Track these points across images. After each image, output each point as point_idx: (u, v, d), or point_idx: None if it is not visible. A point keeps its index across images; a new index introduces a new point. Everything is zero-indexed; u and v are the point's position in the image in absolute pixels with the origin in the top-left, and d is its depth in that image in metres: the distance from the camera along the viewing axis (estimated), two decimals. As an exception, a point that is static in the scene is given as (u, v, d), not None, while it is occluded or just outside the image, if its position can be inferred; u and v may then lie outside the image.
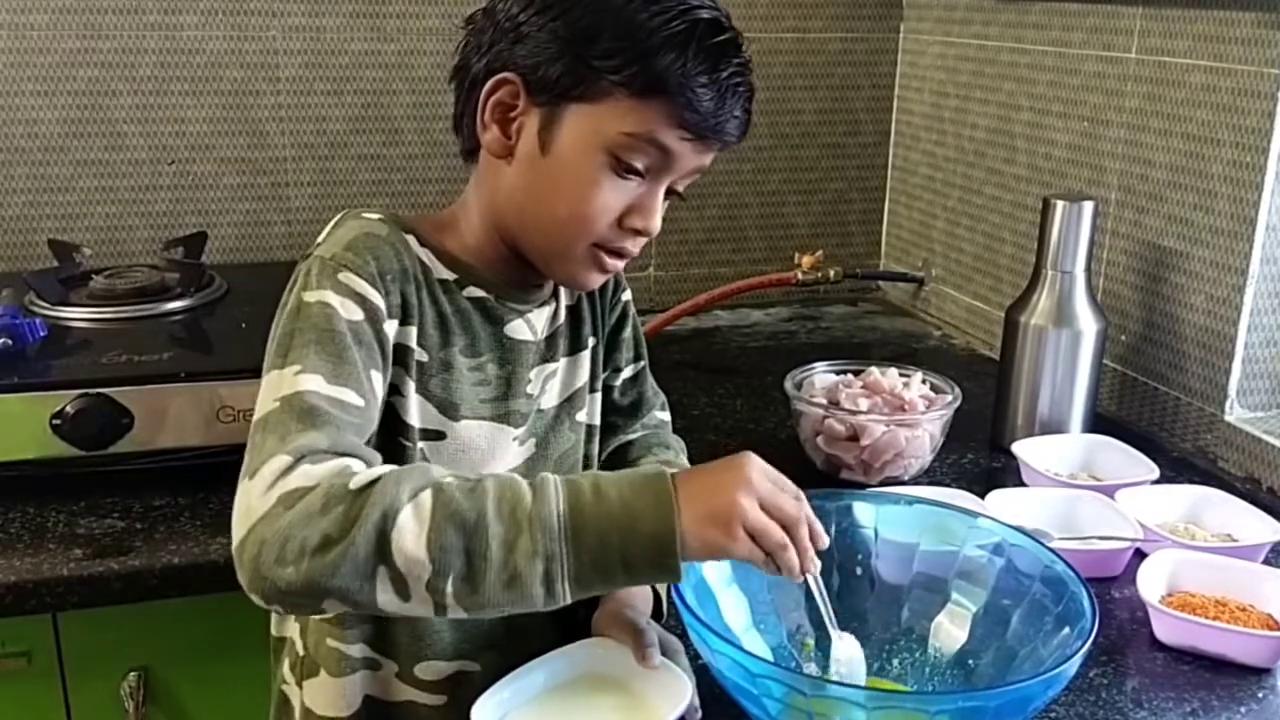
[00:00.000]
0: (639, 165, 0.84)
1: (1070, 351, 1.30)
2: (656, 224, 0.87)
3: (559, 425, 0.98)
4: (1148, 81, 1.38)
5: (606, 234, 0.86)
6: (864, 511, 0.98)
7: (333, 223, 0.88)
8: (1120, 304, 1.44)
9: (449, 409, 0.89)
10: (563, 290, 0.98)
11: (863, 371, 1.31)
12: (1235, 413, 1.30)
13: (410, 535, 0.70)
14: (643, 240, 0.89)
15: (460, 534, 0.70)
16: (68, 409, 1.14)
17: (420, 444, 0.88)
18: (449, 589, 0.70)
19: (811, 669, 0.93)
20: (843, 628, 0.95)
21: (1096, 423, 1.34)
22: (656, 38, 0.80)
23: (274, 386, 0.78)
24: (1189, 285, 1.34)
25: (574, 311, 1.00)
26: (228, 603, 1.11)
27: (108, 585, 1.06)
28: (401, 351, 0.85)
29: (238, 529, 0.72)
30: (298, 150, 1.69)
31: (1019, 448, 1.26)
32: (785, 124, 1.89)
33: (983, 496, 1.14)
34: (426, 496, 0.71)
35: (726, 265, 1.92)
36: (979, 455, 1.34)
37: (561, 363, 0.98)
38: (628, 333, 1.07)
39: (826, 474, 1.26)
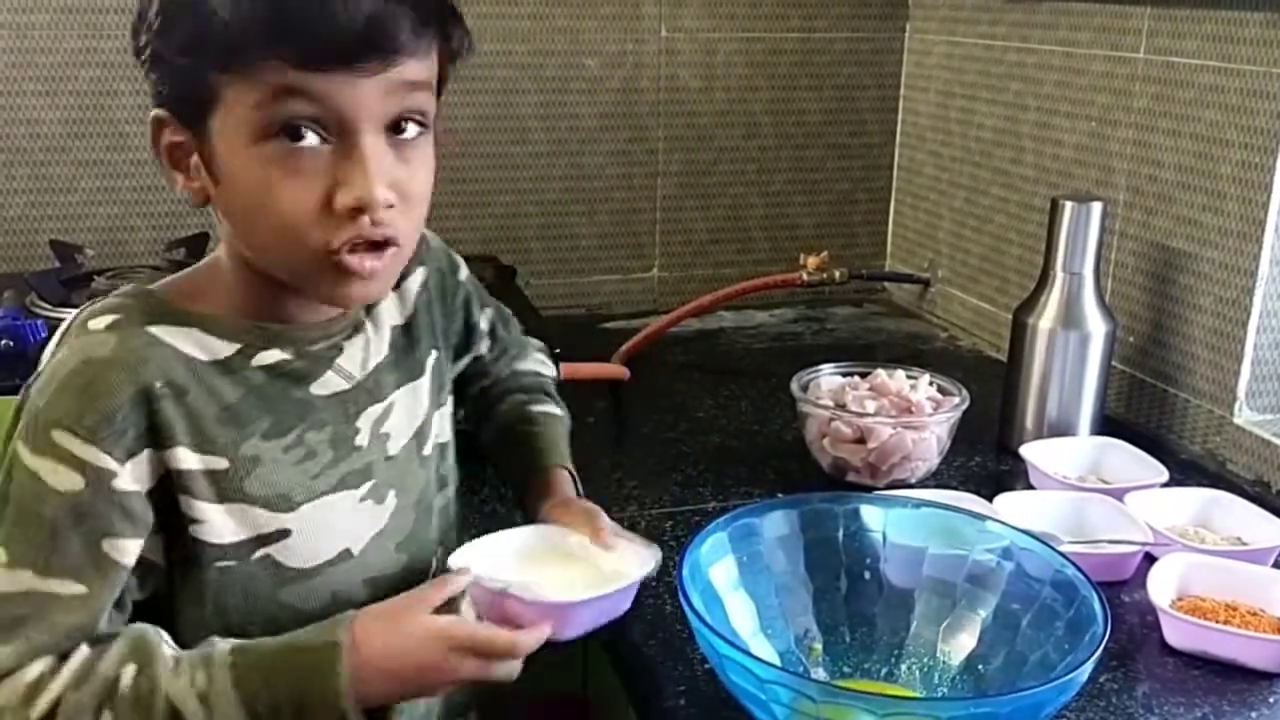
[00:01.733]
0: (303, 128, 0.69)
1: (1078, 353, 1.29)
2: (377, 189, 0.71)
3: (410, 467, 0.87)
4: (1156, 82, 1.38)
5: (322, 231, 0.71)
6: (871, 515, 0.97)
7: (60, 332, 0.79)
8: (1129, 305, 1.43)
9: (279, 504, 0.78)
10: (386, 306, 0.87)
11: (869, 373, 1.31)
12: (1244, 415, 1.30)
13: None
14: (384, 217, 0.72)
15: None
16: (69, 411, 1.13)
17: (260, 552, 0.78)
18: None
19: (820, 674, 0.92)
20: (851, 632, 0.94)
21: (1105, 425, 1.33)
22: (203, 4, 0.68)
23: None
24: (1198, 287, 1.33)
25: (408, 330, 0.89)
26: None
27: (110, 588, 1.05)
28: (177, 477, 0.74)
29: None
30: (301, 150, 1.68)
31: (1027, 450, 1.25)
32: (790, 124, 1.89)
33: (991, 499, 1.13)
34: None
35: (731, 266, 1.91)
36: (987, 458, 1.33)
37: (395, 397, 0.86)
38: (475, 310, 0.98)
39: (833, 476, 1.25)
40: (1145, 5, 1.38)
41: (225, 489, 0.76)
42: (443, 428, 0.92)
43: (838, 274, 1.75)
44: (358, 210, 0.71)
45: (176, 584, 0.78)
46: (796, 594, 0.94)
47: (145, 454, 0.73)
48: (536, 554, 0.86)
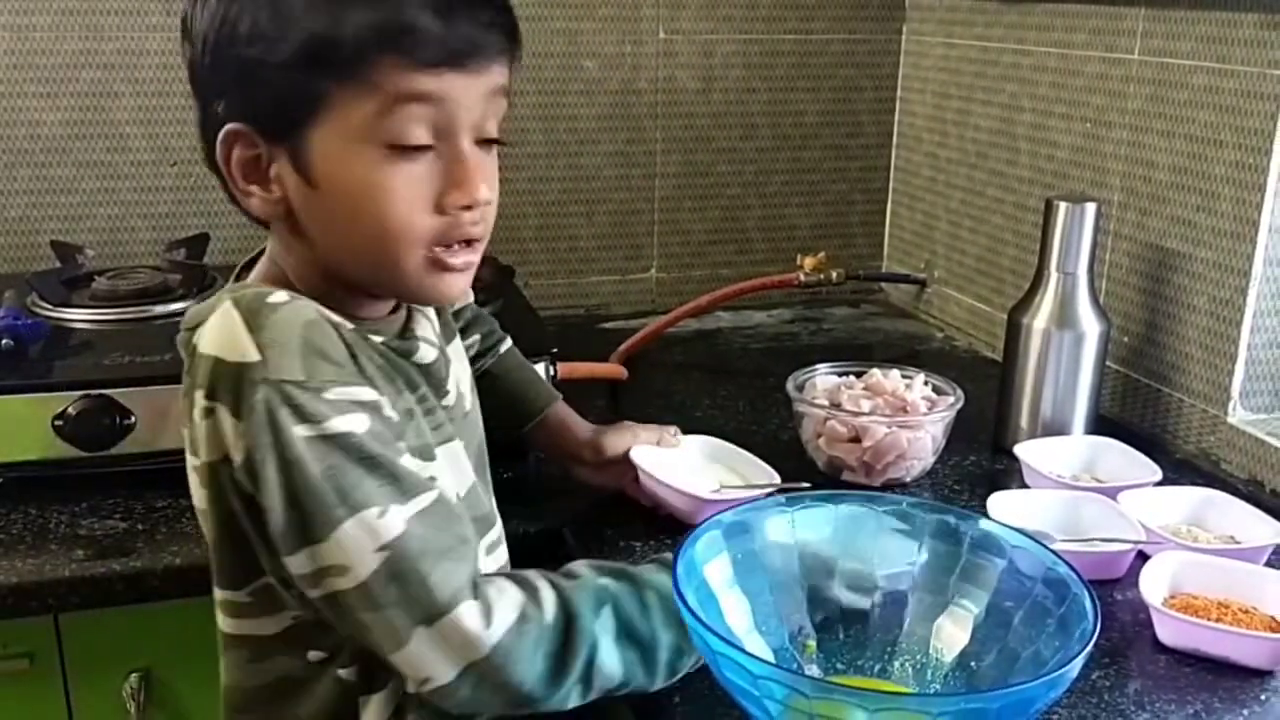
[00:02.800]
0: (416, 136, 0.73)
1: (1073, 353, 1.29)
2: (482, 190, 0.76)
3: (474, 418, 0.96)
4: (1150, 83, 1.38)
5: (431, 231, 0.76)
6: (866, 513, 0.98)
7: (228, 318, 0.74)
8: (1123, 305, 1.44)
9: (425, 453, 0.84)
10: None
11: (865, 373, 1.31)
12: (1238, 415, 1.30)
13: (609, 663, 0.80)
14: (480, 215, 0.78)
15: (639, 650, 0.83)
16: (70, 410, 1.14)
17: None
18: (625, 689, 0.83)
19: (814, 671, 0.92)
20: (845, 630, 0.95)
21: (1099, 424, 1.34)
22: (324, 10, 0.71)
23: (359, 541, 0.72)
24: (1192, 287, 1.34)
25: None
26: (229, 604, 1.12)
27: (110, 586, 1.06)
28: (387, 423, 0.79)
29: (441, 670, 0.75)
30: (300, 152, 1.69)
31: (1021, 449, 1.25)
32: (788, 125, 1.89)
33: (985, 498, 1.14)
34: (610, 620, 0.81)
35: (728, 267, 1.92)
36: (981, 457, 1.34)
37: (454, 357, 0.93)
38: None
39: (828, 475, 1.26)
40: (1139, 7, 1.39)
41: (395, 437, 0.78)
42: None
43: (834, 274, 1.75)
44: (465, 209, 0.76)
45: None
46: (791, 591, 0.95)
47: (375, 392, 0.77)
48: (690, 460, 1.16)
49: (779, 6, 1.83)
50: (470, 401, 0.95)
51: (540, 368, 1.29)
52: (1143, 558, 1.06)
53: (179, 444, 1.17)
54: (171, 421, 1.17)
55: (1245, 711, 0.90)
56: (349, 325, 0.79)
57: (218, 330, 0.74)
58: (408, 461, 0.77)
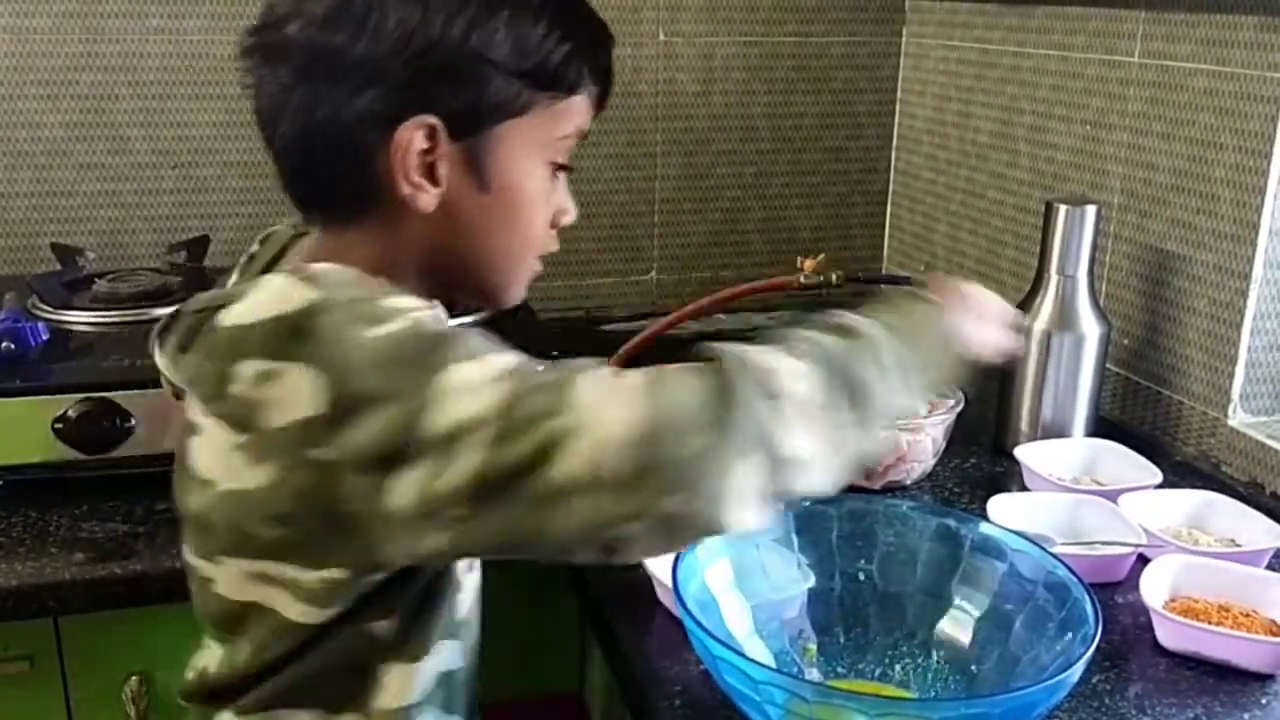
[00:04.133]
0: (566, 161, 0.82)
1: (1073, 355, 1.29)
2: (574, 214, 0.87)
3: None
4: (1150, 85, 1.38)
5: (545, 243, 0.85)
6: (866, 516, 0.98)
7: (264, 281, 0.72)
8: (1123, 308, 1.44)
9: None
10: None
11: (865, 376, 1.31)
12: (1238, 417, 1.30)
13: (797, 368, 0.72)
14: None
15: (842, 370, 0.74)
16: (70, 413, 1.14)
17: None
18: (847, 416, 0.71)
19: (814, 675, 0.93)
20: (845, 633, 0.95)
21: (1099, 427, 1.34)
22: (559, 28, 0.76)
23: (474, 374, 0.66)
24: (1192, 289, 1.34)
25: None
26: (230, 607, 1.12)
27: (110, 589, 1.06)
28: None
29: (617, 413, 0.64)
30: (300, 154, 1.68)
31: (1022, 452, 1.25)
32: (788, 128, 1.89)
33: (985, 501, 1.14)
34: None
35: (728, 269, 1.92)
36: (981, 460, 1.34)
37: None
38: None
39: (829, 478, 1.25)
40: (1139, 9, 1.39)
41: None
42: None
43: (835, 276, 1.75)
44: (558, 228, 0.85)
45: None
46: (791, 595, 0.95)
47: None
48: None
49: (779, 9, 1.83)
50: None
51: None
52: (1143, 561, 1.06)
53: (179, 447, 1.19)
54: (172, 424, 1.17)
55: (1246, 715, 0.91)
56: None
57: (266, 295, 0.71)
58: None
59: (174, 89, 1.62)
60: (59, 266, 1.50)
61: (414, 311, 0.70)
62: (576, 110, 0.80)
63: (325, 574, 0.72)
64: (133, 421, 1.16)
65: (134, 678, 1.13)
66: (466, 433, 0.64)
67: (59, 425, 1.14)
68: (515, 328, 1.43)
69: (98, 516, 1.15)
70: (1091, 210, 1.28)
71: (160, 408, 1.17)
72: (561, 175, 0.83)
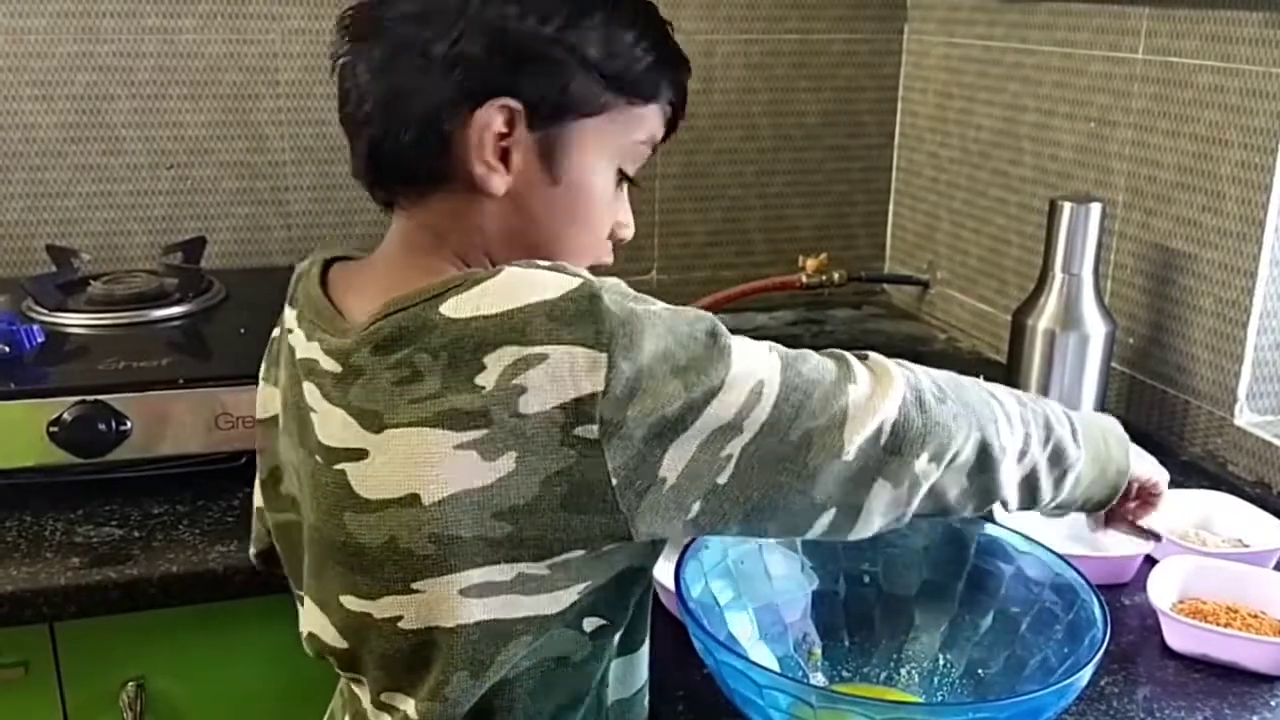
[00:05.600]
0: (635, 171, 0.82)
1: (1078, 355, 1.29)
2: (633, 227, 0.87)
3: None
4: (1155, 82, 1.37)
5: (602, 252, 0.84)
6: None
7: (496, 272, 0.71)
8: (1128, 306, 1.42)
9: None
10: None
11: (868, 376, 1.30)
12: (1245, 416, 1.29)
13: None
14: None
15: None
16: (65, 416, 1.13)
17: None
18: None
19: (818, 679, 0.92)
20: (850, 636, 0.94)
21: (1104, 427, 1.33)
22: (647, 39, 0.78)
23: (755, 356, 0.71)
24: (1197, 287, 1.33)
25: None
26: (227, 611, 1.11)
27: (106, 594, 1.05)
28: None
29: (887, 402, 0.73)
30: (297, 154, 1.68)
31: (1026, 452, 1.24)
32: (789, 126, 1.88)
33: (990, 502, 1.13)
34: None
35: (730, 268, 1.91)
36: (986, 460, 1.33)
37: None
38: None
39: (832, 479, 1.24)
40: (1144, 5, 1.38)
41: None
42: None
43: (837, 276, 1.75)
44: (618, 239, 0.85)
45: None
46: (795, 599, 0.94)
47: None
48: None
49: (780, 6, 1.82)
50: None
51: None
52: (1150, 562, 1.05)
53: (176, 450, 1.18)
54: (168, 427, 1.16)
55: (1255, 717, 0.90)
56: None
57: (508, 284, 0.69)
58: None
59: (169, 89, 1.61)
60: (54, 268, 1.49)
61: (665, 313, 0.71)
62: (651, 120, 0.80)
63: (558, 560, 0.71)
64: (128, 424, 1.15)
65: (130, 684, 1.12)
66: (753, 400, 0.70)
67: (54, 428, 1.13)
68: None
69: (93, 521, 1.14)
70: (1096, 208, 1.27)
71: (157, 410, 1.16)
72: (624, 188, 0.84)
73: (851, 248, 1.96)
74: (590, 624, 0.75)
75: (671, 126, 0.83)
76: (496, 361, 0.67)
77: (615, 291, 0.69)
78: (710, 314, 0.72)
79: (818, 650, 0.93)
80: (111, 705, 1.12)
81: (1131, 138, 1.41)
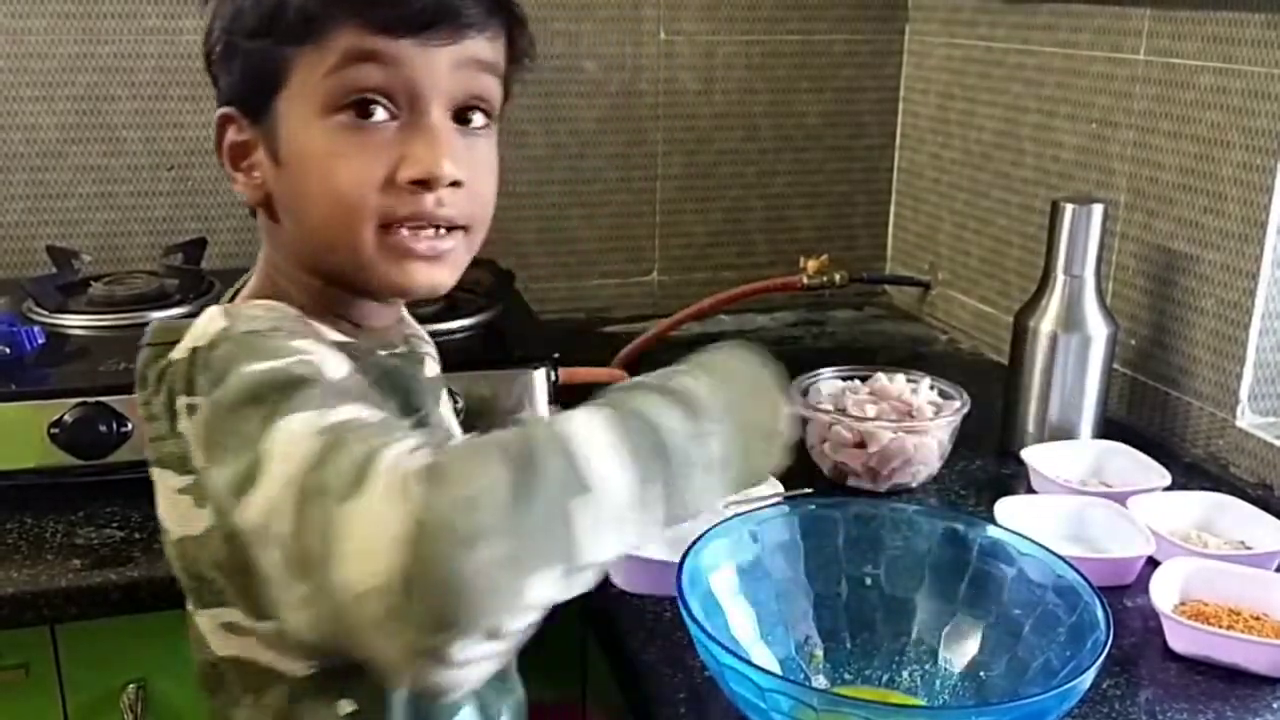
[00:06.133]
0: (373, 100, 0.69)
1: (1080, 356, 1.28)
2: (444, 165, 0.70)
3: None
4: (1156, 83, 1.37)
5: (382, 203, 0.70)
6: (872, 520, 0.97)
7: (206, 312, 0.70)
8: (1130, 308, 1.42)
9: None
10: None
11: (870, 377, 1.30)
12: (1247, 418, 1.29)
13: (605, 457, 0.59)
14: (449, 197, 0.71)
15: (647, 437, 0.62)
16: (66, 418, 1.13)
17: None
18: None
19: (820, 681, 0.91)
20: (852, 638, 0.94)
21: (1107, 428, 1.32)
22: None
23: (283, 447, 0.58)
24: (1199, 289, 1.33)
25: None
26: (228, 614, 1.11)
27: (106, 596, 1.05)
28: None
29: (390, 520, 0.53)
30: (299, 155, 1.68)
31: (1029, 454, 1.24)
32: (790, 127, 1.88)
33: (992, 504, 1.13)
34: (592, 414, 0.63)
35: (730, 269, 1.91)
36: (988, 461, 1.32)
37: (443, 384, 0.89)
38: None
39: (834, 481, 1.24)
40: (1145, 6, 1.38)
41: None
42: None
43: (838, 277, 1.74)
44: (422, 184, 0.70)
45: None
46: (796, 600, 0.94)
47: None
48: None
49: (781, 7, 1.82)
50: (455, 430, 0.89)
51: (541, 373, 1.27)
52: (1153, 564, 1.04)
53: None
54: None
55: (1258, 721, 0.89)
56: (350, 341, 0.75)
57: (196, 328, 0.69)
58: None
59: (170, 90, 1.61)
60: (54, 270, 1.49)
61: (307, 355, 0.64)
62: (335, 42, 0.69)
63: (274, 624, 0.69)
64: (129, 426, 1.14)
65: (131, 686, 1.12)
66: (266, 509, 0.58)
67: (54, 430, 1.12)
68: (514, 331, 1.42)
69: (94, 523, 1.14)
70: (1098, 209, 1.26)
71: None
72: (408, 120, 0.70)
73: (853, 249, 1.95)
74: (345, 706, 0.72)
75: (392, 22, 0.68)
76: (179, 408, 0.67)
77: (235, 344, 0.65)
78: (303, 380, 0.61)
79: (819, 652, 0.93)
80: (112, 707, 1.12)
81: (1133, 139, 1.41)
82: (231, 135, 0.75)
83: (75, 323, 1.34)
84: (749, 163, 1.88)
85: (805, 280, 1.72)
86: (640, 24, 1.76)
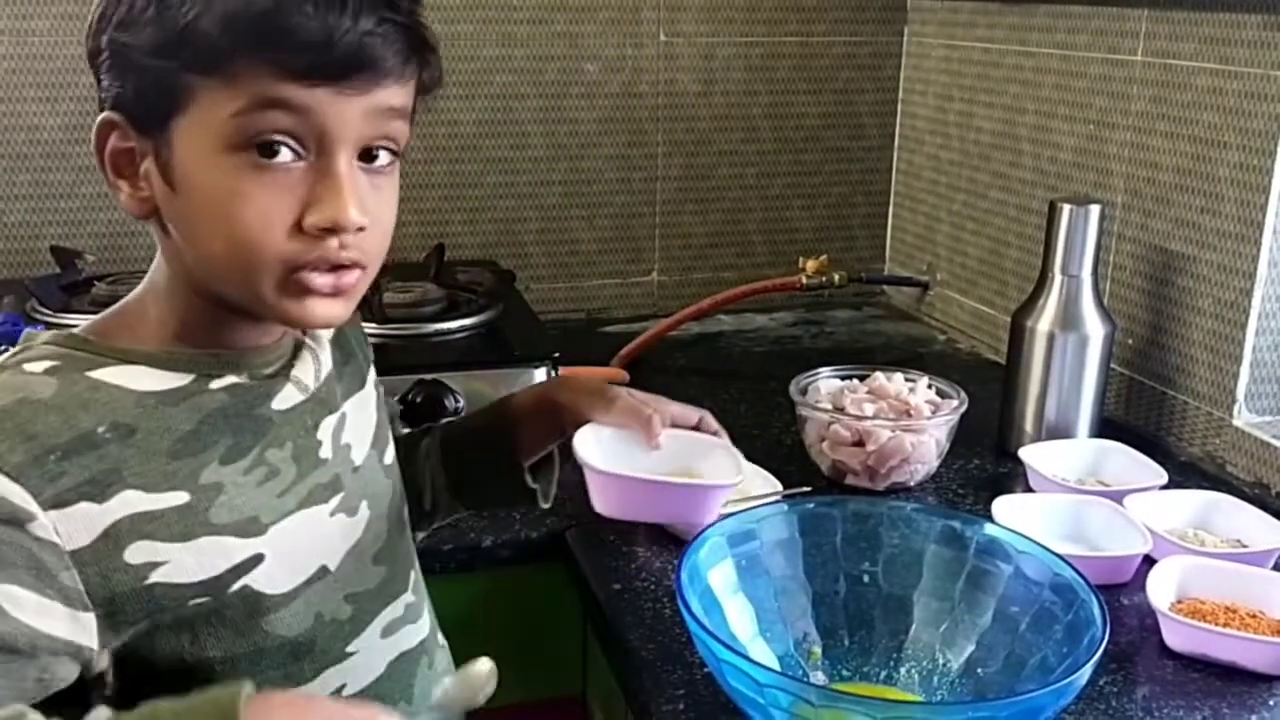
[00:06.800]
0: (280, 143, 0.67)
1: (1077, 356, 1.29)
2: (350, 212, 0.69)
3: (377, 476, 0.86)
4: (1154, 84, 1.38)
5: (287, 248, 0.69)
6: (870, 518, 0.97)
7: None
8: (1127, 308, 1.43)
9: (249, 528, 0.74)
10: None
11: (868, 376, 1.31)
12: (1243, 417, 1.30)
13: None
14: (355, 241, 0.70)
15: None
16: (69, 417, 1.13)
17: (238, 583, 0.73)
18: None
19: (819, 677, 0.92)
20: (850, 635, 0.95)
21: (1104, 427, 1.33)
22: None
23: None
24: (1196, 289, 1.33)
25: (340, 343, 0.86)
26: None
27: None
28: (130, 525, 0.68)
29: None
30: (300, 156, 1.68)
31: (1026, 453, 1.25)
32: (789, 128, 1.89)
33: (989, 502, 1.13)
34: None
35: (730, 270, 1.91)
36: (985, 461, 1.33)
37: (346, 407, 0.84)
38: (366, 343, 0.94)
39: (832, 479, 1.25)
40: (1143, 8, 1.38)
41: (190, 524, 0.71)
42: (392, 441, 0.91)
43: (837, 277, 1.75)
44: (328, 231, 0.69)
45: (148, 641, 0.71)
46: (795, 597, 0.94)
47: (81, 507, 0.67)
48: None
49: (780, 9, 1.82)
50: (367, 456, 0.85)
51: (541, 372, 1.28)
52: (1149, 562, 1.05)
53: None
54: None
55: (1254, 717, 0.90)
56: (155, 388, 0.72)
57: None
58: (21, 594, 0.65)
59: (173, 91, 1.61)
60: (58, 270, 1.49)
61: None
62: (245, 82, 0.66)
63: None
64: (132, 425, 1.15)
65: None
66: None
67: (58, 429, 1.13)
68: (515, 331, 1.43)
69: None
70: (1095, 210, 1.27)
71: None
72: (316, 163, 0.69)
73: (851, 249, 1.96)
74: None
75: (303, 71, 0.66)
76: None
77: None
78: None
79: (818, 649, 0.93)
80: (115, 704, 1.12)
81: (1130, 140, 1.42)
82: (115, 142, 0.72)
83: (78, 323, 1.33)
84: (748, 164, 1.89)
85: (804, 280, 1.73)
86: (640, 26, 1.77)
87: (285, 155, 0.68)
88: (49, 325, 1.31)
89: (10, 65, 1.56)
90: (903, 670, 0.93)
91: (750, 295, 1.74)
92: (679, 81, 1.81)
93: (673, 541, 1.12)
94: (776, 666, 0.89)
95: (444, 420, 1.00)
